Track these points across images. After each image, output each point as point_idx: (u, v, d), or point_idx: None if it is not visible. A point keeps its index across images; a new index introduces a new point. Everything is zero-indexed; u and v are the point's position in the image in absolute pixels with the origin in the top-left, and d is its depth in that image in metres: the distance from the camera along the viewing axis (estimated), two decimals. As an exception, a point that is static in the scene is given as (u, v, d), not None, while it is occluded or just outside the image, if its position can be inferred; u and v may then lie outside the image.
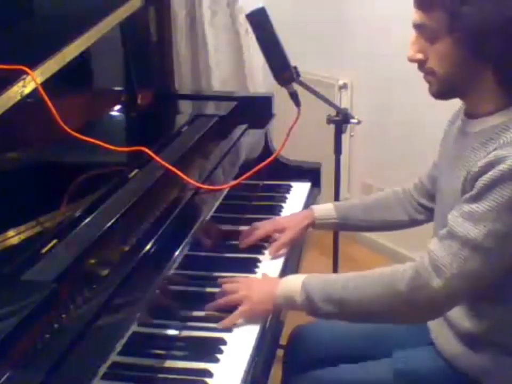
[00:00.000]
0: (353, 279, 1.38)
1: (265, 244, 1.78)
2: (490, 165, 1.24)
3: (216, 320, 1.44)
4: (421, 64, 1.36)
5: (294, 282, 1.43)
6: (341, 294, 1.36)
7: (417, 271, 1.29)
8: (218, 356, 1.33)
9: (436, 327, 1.50)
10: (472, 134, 1.37)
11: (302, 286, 1.40)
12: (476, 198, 1.26)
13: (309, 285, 1.40)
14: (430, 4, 1.29)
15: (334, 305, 1.37)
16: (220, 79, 3.29)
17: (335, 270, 2.23)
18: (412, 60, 1.37)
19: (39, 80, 1.49)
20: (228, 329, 1.41)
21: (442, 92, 1.37)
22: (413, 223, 1.74)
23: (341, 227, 1.81)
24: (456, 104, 1.43)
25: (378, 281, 1.35)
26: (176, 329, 1.42)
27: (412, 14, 1.34)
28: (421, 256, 1.32)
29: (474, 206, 1.25)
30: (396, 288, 1.31)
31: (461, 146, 1.40)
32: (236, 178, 1.76)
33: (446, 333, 1.46)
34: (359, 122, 2.09)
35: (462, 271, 1.26)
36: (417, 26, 1.34)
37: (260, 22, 1.84)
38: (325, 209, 1.79)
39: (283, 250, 1.75)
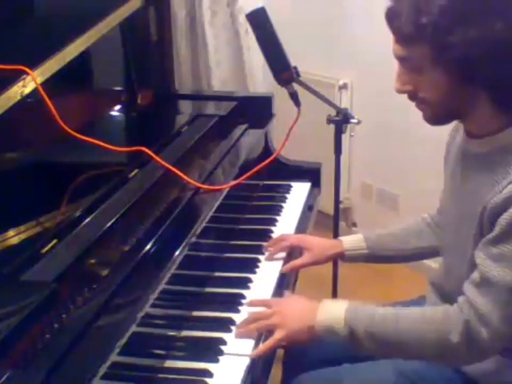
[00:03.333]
0: (402, 321, 1.33)
1: (265, 244, 1.78)
2: (509, 201, 1.21)
3: (216, 321, 1.44)
4: (412, 95, 1.32)
5: (336, 313, 1.36)
6: (388, 336, 1.33)
7: (466, 323, 1.27)
8: (218, 356, 1.33)
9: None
10: (475, 155, 1.34)
11: (345, 321, 1.34)
12: (502, 238, 1.23)
13: (353, 320, 1.34)
14: (409, 39, 1.24)
15: (379, 345, 1.33)
16: (220, 79, 3.29)
17: (334, 270, 2.23)
18: (400, 92, 1.33)
19: (39, 80, 1.49)
20: (228, 329, 1.41)
21: (438, 118, 1.34)
22: None
23: (372, 259, 1.70)
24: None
25: (430, 328, 1.31)
26: (176, 329, 1.41)
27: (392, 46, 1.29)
28: (462, 302, 1.29)
29: (503, 247, 1.23)
30: (450, 339, 1.27)
31: (464, 166, 1.37)
32: (236, 178, 1.76)
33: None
34: (359, 122, 2.08)
35: (506, 315, 1.25)
36: (400, 59, 1.30)
37: (259, 22, 1.84)
38: (354, 240, 1.71)
39: (282, 254, 1.74)
